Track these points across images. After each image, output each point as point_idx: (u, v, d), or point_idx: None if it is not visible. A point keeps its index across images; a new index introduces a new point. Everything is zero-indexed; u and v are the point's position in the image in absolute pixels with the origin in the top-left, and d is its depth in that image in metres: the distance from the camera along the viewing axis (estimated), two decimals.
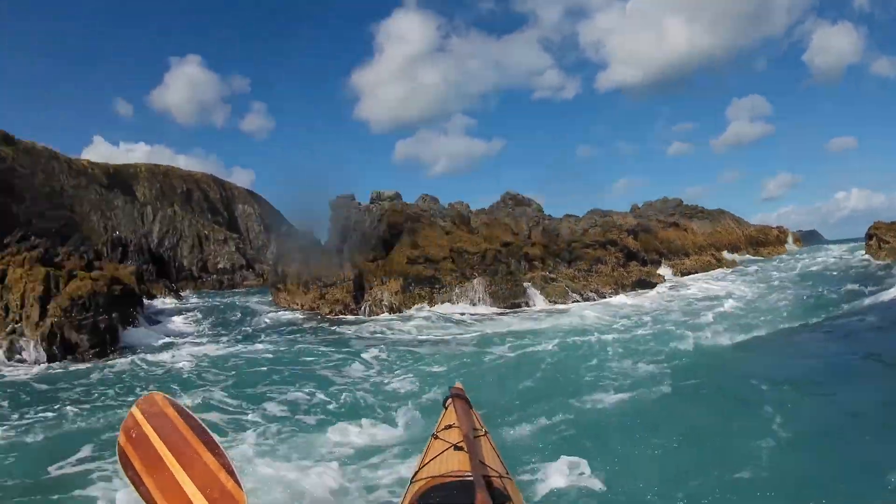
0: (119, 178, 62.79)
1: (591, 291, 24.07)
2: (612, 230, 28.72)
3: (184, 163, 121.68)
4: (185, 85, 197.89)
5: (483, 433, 3.50)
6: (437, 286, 19.92)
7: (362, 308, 20.41)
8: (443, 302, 19.24)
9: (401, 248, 21.58)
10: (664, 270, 30.72)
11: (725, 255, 38.52)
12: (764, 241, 44.61)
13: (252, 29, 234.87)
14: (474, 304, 19.37)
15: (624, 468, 5.98)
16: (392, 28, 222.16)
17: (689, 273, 32.65)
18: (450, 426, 3.48)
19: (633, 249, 29.14)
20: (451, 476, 3.02)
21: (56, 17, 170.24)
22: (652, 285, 25.69)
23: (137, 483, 3.90)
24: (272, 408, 9.12)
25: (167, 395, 4.48)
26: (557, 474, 5.79)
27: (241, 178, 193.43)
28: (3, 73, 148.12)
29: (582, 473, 5.79)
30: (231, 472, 3.73)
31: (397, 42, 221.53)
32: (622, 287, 24.80)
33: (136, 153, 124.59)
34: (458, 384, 3.98)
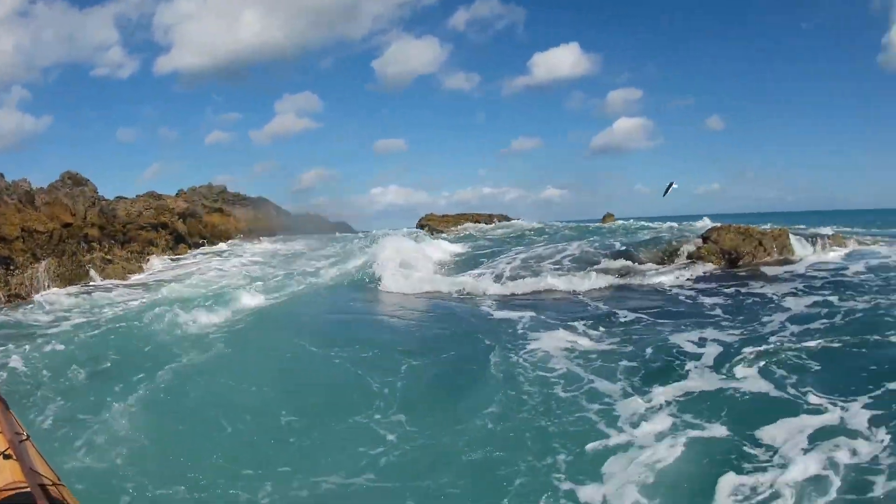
0: None
1: (147, 272, 25.63)
2: (164, 213, 30.08)
3: None
4: None
5: (26, 437, 3.22)
6: (11, 267, 18.52)
7: None
8: (17, 285, 18.12)
9: None
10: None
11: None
12: (302, 229, 50.21)
13: None
14: (45, 287, 18.87)
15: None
16: None
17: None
18: None
19: (181, 233, 31.33)
20: (5, 490, 2.69)
21: None
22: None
23: None
24: None
25: None
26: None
27: None
28: None
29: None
30: None
31: None
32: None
33: None
34: None
